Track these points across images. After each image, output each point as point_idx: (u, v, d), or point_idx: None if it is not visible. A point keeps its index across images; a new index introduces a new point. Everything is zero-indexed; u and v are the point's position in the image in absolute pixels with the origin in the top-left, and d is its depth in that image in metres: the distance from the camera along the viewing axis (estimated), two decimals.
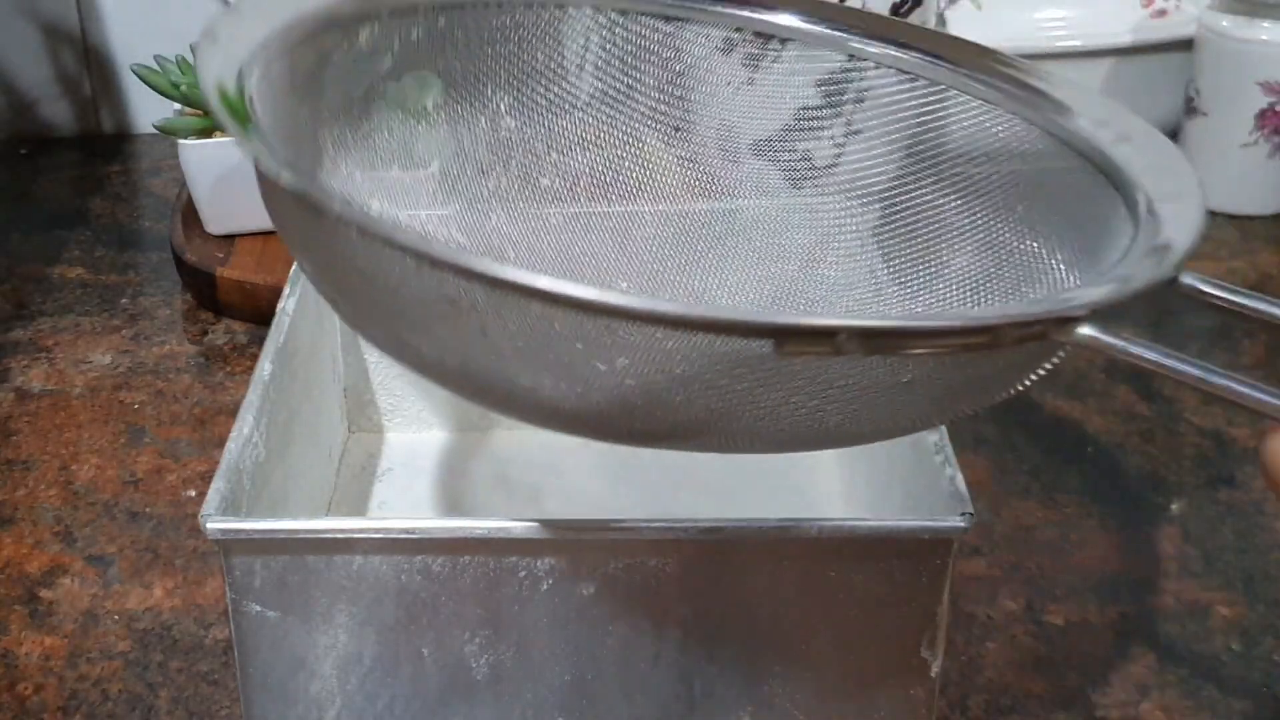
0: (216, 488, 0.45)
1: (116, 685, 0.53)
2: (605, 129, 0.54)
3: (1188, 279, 0.40)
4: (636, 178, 0.54)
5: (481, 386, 0.41)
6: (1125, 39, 0.89)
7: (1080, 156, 0.46)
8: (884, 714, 0.47)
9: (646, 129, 0.54)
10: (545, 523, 0.44)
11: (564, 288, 0.34)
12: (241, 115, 0.39)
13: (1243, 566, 0.59)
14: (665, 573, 0.45)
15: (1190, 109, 0.88)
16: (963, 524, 0.44)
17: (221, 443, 0.48)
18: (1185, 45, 0.89)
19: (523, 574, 0.45)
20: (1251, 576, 0.58)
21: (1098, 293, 0.38)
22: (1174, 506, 0.62)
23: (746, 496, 0.61)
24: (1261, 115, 0.85)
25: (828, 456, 0.63)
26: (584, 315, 0.35)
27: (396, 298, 0.38)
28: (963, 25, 0.85)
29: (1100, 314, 0.36)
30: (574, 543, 0.44)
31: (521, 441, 0.64)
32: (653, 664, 0.46)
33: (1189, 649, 0.55)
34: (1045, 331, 0.36)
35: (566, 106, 0.54)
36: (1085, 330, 0.36)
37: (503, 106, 0.53)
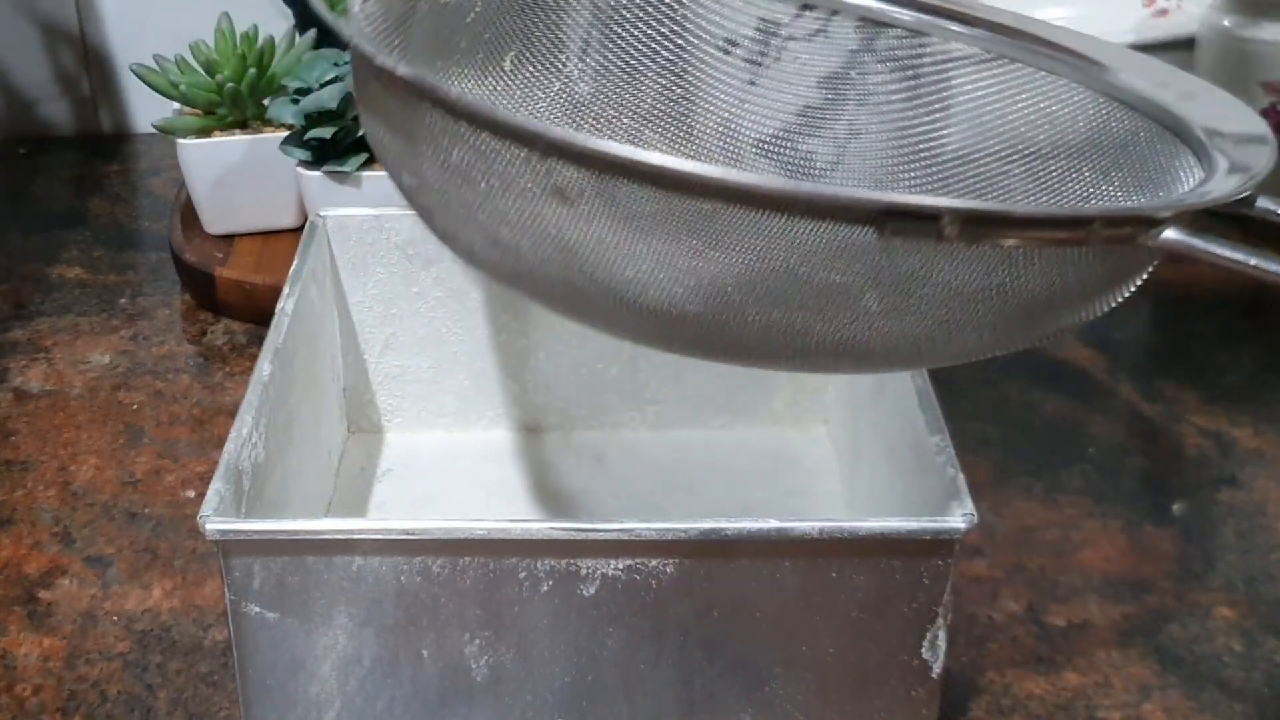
0: (215, 488, 0.45)
1: (115, 686, 0.53)
2: (680, 93, 0.55)
3: (1263, 202, 0.42)
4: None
5: (577, 286, 0.41)
6: (1127, 38, 0.88)
7: (1144, 116, 0.48)
8: (885, 715, 0.47)
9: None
10: (545, 524, 0.44)
11: (677, 164, 0.35)
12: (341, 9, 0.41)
13: (1244, 567, 0.59)
14: (665, 574, 0.45)
15: None
16: (964, 525, 0.44)
17: (220, 443, 0.48)
18: (1187, 45, 0.88)
19: (523, 575, 0.45)
20: (1253, 577, 0.58)
21: (1180, 199, 0.42)
22: (1175, 507, 0.62)
23: (747, 497, 0.61)
24: (1263, 114, 0.85)
25: (828, 456, 0.63)
26: (691, 195, 0.36)
27: (502, 194, 0.39)
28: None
29: (1183, 218, 0.38)
30: (574, 544, 0.44)
31: (521, 442, 0.64)
32: (653, 665, 0.46)
33: (1190, 650, 0.54)
34: (1133, 232, 0.37)
35: (637, 73, 0.55)
36: (1169, 234, 0.38)
37: (575, 71, 0.54)
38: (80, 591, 0.57)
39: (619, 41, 0.55)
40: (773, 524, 0.44)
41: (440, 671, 0.46)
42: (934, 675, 0.47)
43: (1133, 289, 0.42)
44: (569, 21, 0.54)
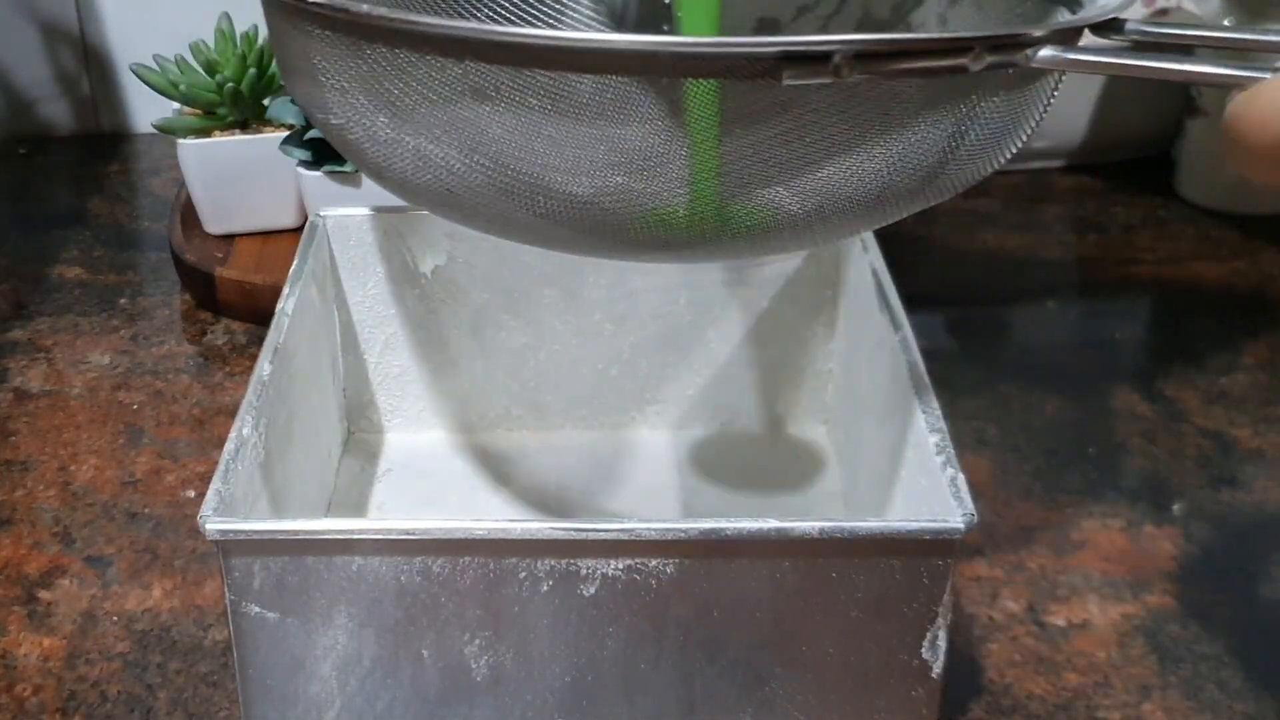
0: (215, 488, 0.45)
1: (115, 686, 0.53)
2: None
3: (1132, 25, 0.46)
4: None
5: (509, 189, 0.42)
6: (1123, 40, 0.88)
7: None
8: (885, 715, 0.47)
9: None
10: (545, 524, 0.44)
11: (584, 38, 0.39)
12: None
13: (1244, 567, 0.59)
14: (665, 573, 0.45)
15: (1191, 108, 0.88)
16: (964, 525, 0.44)
17: (220, 443, 0.48)
18: (1186, 46, 0.88)
19: (523, 575, 0.45)
20: (1253, 577, 0.58)
21: (1056, 21, 0.46)
22: (1175, 507, 0.62)
23: (746, 497, 0.61)
24: None
25: (828, 456, 0.63)
26: (601, 70, 0.38)
27: (426, 107, 0.41)
28: (964, 24, 0.84)
29: (1059, 36, 0.41)
30: (574, 543, 0.44)
31: (521, 442, 0.64)
32: (653, 665, 0.46)
33: (1190, 650, 0.54)
34: (1012, 53, 0.40)
35: None
36: (1046, 52, 0.40)
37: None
38: (80, 591, 0.57)
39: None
40: (772, 524, 0.44)
41: (440, 671, 0.46)
42: (934, 675, 0.47)
43: (1031, 129, 0.45)
44: None
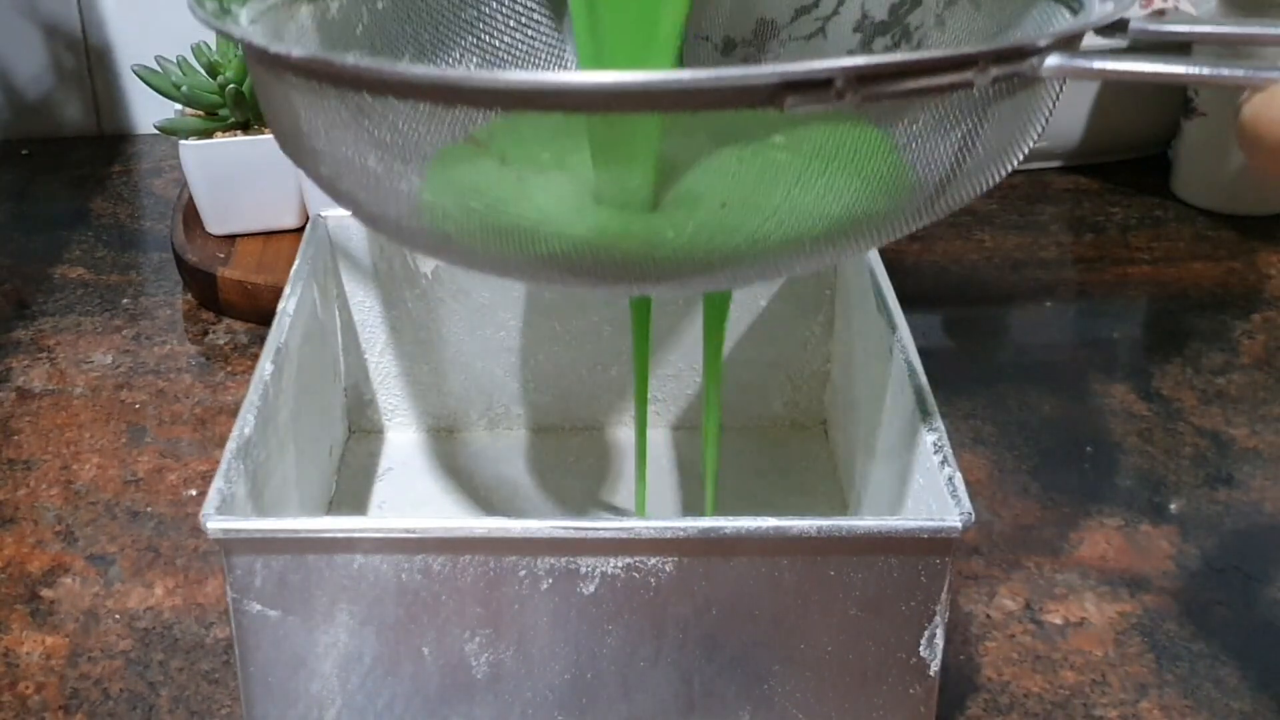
0: (217, 487, 0.45)
1: (117, 684, 0.53)
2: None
3: (1135, 24, 0.45)
4: None
5: (505, 232, 0.41)
6: (1125, 39, 0.89)
7: None
8: (883, 713, 0.47)
9: None
10: (545, 523, 0.44)
11: (578, 80, 0.36)
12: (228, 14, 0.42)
13: (1241, 566, 0.59)
14: (665, 572, 0.45)
15: (1189, 109, 0.88)
16: (962, 523, 0.44)
17: (222, 442, 0.48)
18: (1185, 46, 0.89)
19: (523, 573, 0.45)
20: (1250, 576, 0.58)
21: (1059, 28, 0.45)
22: (1172, 506, 0.62)
23: (746, 496, 0.61)
24: None
25: (827, 456, 0.63)
26: (597, 109, 0.37)
27: (417, 154, 0.40)
28: (962, 25, 0.84)
29: (1064, 44, 0.40)
30: (574, 542, 0.44)
31: (521, 441, 0.64)
32: (652, 663, 0.46)
33: (1187, 648, 0.55)
34: (1018, 64, 0.39)
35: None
36: (1054, 60, 0.39)
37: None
38: (82, 590, 0.57)
39: (503, 38, 0.56)
40: (771, 522, 0.44)
41: (441, 669, 0.47)
42: (932, 673, 0.47)
43: (1037, 136, 0.44)
44: (458, 20, 0.54)
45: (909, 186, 0.41)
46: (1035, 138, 0.45)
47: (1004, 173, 0.45)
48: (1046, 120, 0.45)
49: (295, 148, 0.44)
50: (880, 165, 0.40)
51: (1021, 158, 0.45)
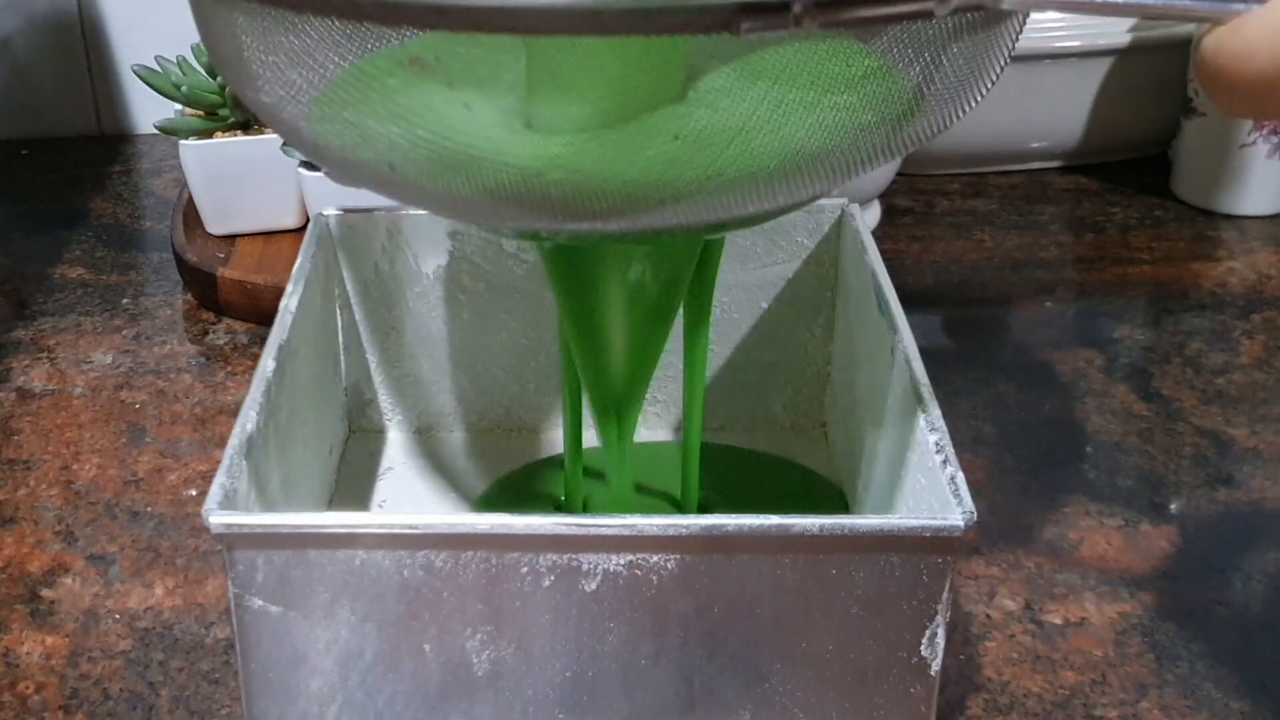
0: (219, 482, 0.45)
1: (117, 684, 0.53)
2: None
3: None
4: None
5: (451, 163, 0.40)
6: (1124, 39, 0.89)
7: None
8: (883, 712, 0.47)
9: None
10: (547, 519, 0.44)
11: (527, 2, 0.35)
12: None
13: (1240, 566, 0.59)
14: (666, 570, 0.45)
15: (1189, 109, 0.88)
16: (963, 523, 0.44)
17: (222, 442, 0.48)
18: (1184, 45, 0.89)
19: (524, 570, 0.45)
20: (1250, 576, 0.58)
21: None
22: (1172, 506, 0.63)
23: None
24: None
25: (827, 456, 0.63)
26: (547, 32, 0.36)
27: (365, 85, 0.39)
28: None
29: None
30: (576, 539, 0.44)
31: (521, 441, 0.64)
32: (653, 661, 0.46)
33: (1187, 648, 0.55)
34: None
35: None
36: None
37: None
38: (82, 590, 0.57)
39: None
40: (773, 521, 0.44)
41: (442, 666, 0.47)
42: (932, 672, 0.47)
43: (996, 77, 0.43)
44: None
45: (867, 123, 0.40)
46: (994, 78, 0.43)
47: (963, 113, 0.43)
48: (1004, 62, 0.43)
49: (236, 75, 0.43)
50: (840, 96, 0.40)
51: (981, 97, 0.43)
